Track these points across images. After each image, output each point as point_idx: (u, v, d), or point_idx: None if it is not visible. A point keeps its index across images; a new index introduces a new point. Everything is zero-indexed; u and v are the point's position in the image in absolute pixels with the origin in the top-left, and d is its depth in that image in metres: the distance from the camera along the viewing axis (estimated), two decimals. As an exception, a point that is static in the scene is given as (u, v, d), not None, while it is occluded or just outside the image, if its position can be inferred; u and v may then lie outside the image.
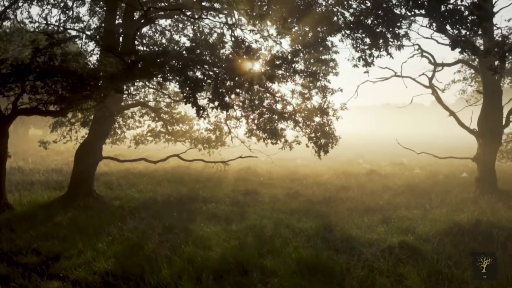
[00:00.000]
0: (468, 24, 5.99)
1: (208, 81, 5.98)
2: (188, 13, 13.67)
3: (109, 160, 13.15)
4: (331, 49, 12.38)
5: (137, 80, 6.84)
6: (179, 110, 16.64)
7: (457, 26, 6.10)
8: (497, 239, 6.44)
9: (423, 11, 6.46)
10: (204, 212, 10.18)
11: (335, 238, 7.45)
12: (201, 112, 5.82)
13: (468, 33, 6.22)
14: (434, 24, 6.31)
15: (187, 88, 5.51)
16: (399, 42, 7.56)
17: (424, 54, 14.09)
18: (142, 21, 12.05)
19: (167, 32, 16.05)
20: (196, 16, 10.77)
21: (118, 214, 9.50)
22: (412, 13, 6.70)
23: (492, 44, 12.19)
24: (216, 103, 5.95)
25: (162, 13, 11.51)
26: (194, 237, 7.45)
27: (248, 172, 17.06)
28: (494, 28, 14.03)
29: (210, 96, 5.86)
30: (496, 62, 6.57)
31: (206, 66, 6.52)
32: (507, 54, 6.53)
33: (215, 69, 6.61)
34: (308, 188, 13.38)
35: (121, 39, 11.67)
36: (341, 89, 11.48)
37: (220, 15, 14.74)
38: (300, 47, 11.44)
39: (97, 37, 6.04)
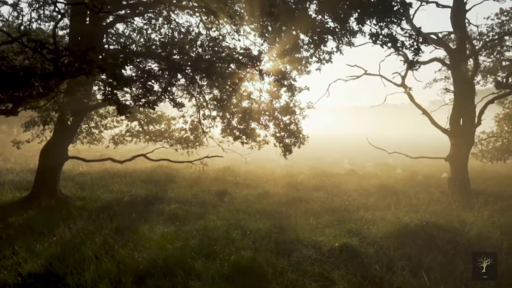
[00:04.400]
0: (375, 16, 5.78)
1: (135, 78, 5.85)
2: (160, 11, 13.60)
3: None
4: (302, 47, 12.22)
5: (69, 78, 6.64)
6: (156, 110, 16.55)
7: (371, 19, 5.89)
8: (438, 242, 6.21)
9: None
10: (166, 212, 10.04)
11: (282, 240, 7.27)
12: (123, 109, 5.68)
13: (386, 25, 6.00)
14: (365, 19, 6.11)
15: (107, 86, 5.39)
16: (349, 39, 7.34)
17: (400, 52, 13.86)
18: (109, 19, 11.96)
19: (144, 31, 15.98)
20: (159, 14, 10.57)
21: (75, 214, 9.39)
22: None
23: (463, 40, 11.95)
24: (143, 101, 5.82)
25: (126, 11, 11.35)
26: (137, 238, 7.32)
27: (226, 173, 16.91)
28: (473, 25, 13.77)
29: (139, 93, 5.74)
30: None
31: (144, 63, 6.40)
32: (421, 47, 6.29)
33: (154, 65, 6.50)
34: (281, 189, 13.18)
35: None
36: (308, 87, 11.31)
37: (197, 14, 14.63)
38: (271, 45, 11.30)
39: (23, 39, 5.84)
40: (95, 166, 17.94)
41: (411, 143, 39.33)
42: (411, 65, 6.35)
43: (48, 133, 14.86)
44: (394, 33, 5.84)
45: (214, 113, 13.65)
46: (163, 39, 12.84)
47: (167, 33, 14.71)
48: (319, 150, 33.19)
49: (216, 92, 12.42)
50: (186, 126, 15.29)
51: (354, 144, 44.25)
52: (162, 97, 7.45)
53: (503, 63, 15.06)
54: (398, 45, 6.02)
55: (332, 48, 7.70)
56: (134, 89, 7.35)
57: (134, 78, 5.90)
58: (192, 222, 9.06)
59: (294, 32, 9.24)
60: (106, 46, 13.18)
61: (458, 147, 11.57)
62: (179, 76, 6.88)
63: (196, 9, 9.75)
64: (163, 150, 16.79)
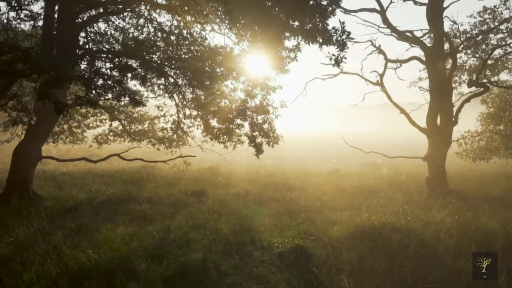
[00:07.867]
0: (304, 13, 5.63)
1: (80, 76, 5.76)
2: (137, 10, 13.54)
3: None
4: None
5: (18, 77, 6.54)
6: (138, 109, 16.50)
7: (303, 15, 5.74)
8: (387, 244, 6.06)
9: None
10: (135, 212, 9.95)
11: (237, 241, 7.15)
12: (61, 108, 5.60)
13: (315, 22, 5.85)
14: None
15: (44, 85, 5.30)
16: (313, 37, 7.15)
17: (382, 51, 13.68)
18: (82, 18, 11.89)
19: (126, 30, 15.91)
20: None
21: (43, 215, 9.31)
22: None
23: (440, 38, 11.74)
24: (84, 99, 5.74)
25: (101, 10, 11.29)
26: (91, 239, 7.23)
27: (209, 172, 16.80)
28: (455, 23, 13.54)
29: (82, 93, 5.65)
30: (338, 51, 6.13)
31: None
32: (346, 42, 6.11)
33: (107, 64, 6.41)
34: (258, 189, 13.06)
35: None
36: (281, 86, 11.20)
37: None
38: (253, 44, 11.18)
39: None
40: (79, 165, 17.93)
41: (410, 141, 38.92)
42: (337, 61, 6.18)
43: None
44: (323, 28, 5.67)
45: (194, 112, 13.62)
46: (140, 38, 12.82)
47: (150, 31, 14.65)
48: (315, 149, 33.08)
49: (197, 91, 12.36)
50: (167, 125, 15.26)
51: (350, 143, 44.03)
52: (122, 96, 7.36)
53: (489, 62, 14.81)
54: (320, 41, 5.83)
55: (292, 46, 7.53)
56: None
57: (79, 76, 5.81)
58: (158, 223, 8.96)
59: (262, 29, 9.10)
60: (87, 46, 13.13)
61: (435, 147, 11.36)
62: (129, 75, 6.79)
63: (160, 7, 9.64)
64: (145, 150, 16.74)
